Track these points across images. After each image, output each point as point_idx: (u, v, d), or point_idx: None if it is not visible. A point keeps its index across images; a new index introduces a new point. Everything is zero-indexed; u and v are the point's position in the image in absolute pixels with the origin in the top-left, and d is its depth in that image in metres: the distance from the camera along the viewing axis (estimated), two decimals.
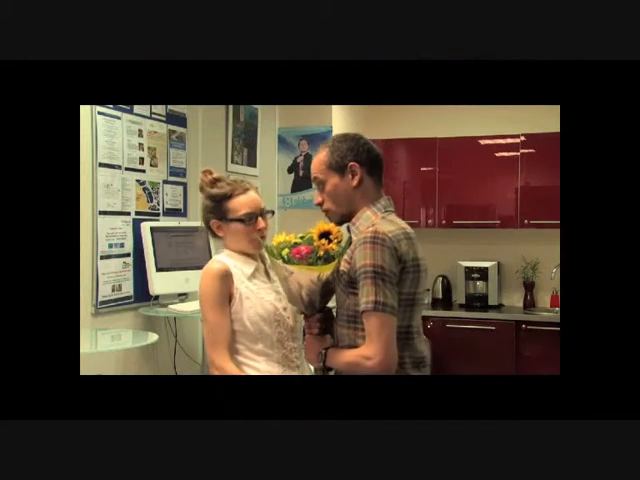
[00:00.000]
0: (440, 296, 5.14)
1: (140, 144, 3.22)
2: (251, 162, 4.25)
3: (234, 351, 1.98)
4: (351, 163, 1.86)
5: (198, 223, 3.22)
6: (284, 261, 1.85)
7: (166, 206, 3.43)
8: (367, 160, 1.88)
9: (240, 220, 2.02)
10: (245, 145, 4.16)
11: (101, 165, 2.94)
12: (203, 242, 3.30)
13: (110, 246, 3.00)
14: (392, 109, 5.19)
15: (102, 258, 2.93)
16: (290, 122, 4.64)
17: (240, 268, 2.01)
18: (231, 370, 1.93)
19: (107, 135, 2.98)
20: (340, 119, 4.83)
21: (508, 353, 4.60)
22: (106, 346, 3.03)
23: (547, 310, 4.86)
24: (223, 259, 2.03)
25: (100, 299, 2.92)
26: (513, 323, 4.63)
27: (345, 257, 1.83)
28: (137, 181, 3.19)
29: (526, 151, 4.83)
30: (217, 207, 2.04)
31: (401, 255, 1.77)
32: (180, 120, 3.54)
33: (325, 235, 1.86)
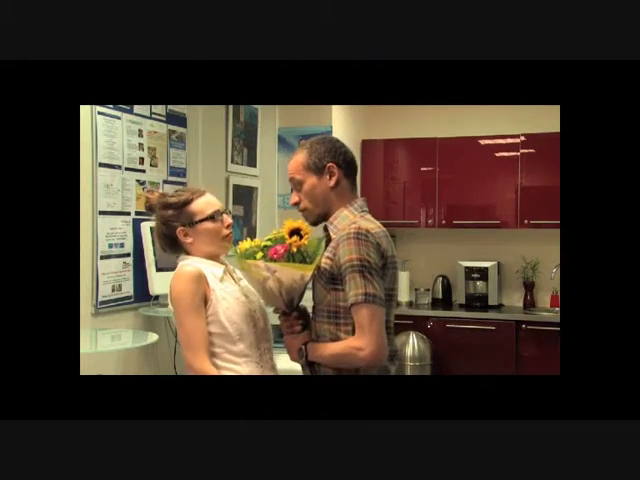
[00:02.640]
0: (440, 296, 5.14)
1: (140, 144, 3.22)
2: (251, 162, 4.25)
3: (212, 355, 1.96)
4: (329, 164, 1.93)
5: None
6: (264, 258, 1.88)
7: None
8: (344, 162, 1.96)
9: (210, 218, 2.03)
10: (245, 145, 4.16)
11: (101, 165, 2.94)
12: None
13: (110, 246, 3.00)
14: (392, 109, 5.19)
15: (102, 258, 2.93)
16: (290, 122, 4.64)
17: (211, 271, 2.01)
18: (212, 372, 1.92)
19: (107, 135, 2.98)
20: (340, 119, 4.83)
21: (508, 353, 4.60)
22: (106, 346, 3.03)
23: (547, 310, 4.86)
24: (194, 263, 2.01)
25: (100, 299, 2.92)
26: (513, 323, 4.63)
27: (326, 254, 1.89)
28: (137, 181, 3.19)
29: (526, 151, 4.84)
30: (181, 214, 2.03)
31: (383, 251, 1.85)
32: (180, 120, 3.54)
33: (295, 232, 1.90)
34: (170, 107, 3.43)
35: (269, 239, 1.93)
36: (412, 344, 4.61)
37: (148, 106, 3.25)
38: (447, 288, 5.16)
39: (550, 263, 4.81)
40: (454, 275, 5.09)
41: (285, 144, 4.66)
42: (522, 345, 4.60)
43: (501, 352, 4.61)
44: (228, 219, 2.08)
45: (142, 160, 3.24)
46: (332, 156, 1.94)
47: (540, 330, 4.56)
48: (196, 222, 2.02)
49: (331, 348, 1.87)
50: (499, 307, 4.99)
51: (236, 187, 3.97)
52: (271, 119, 4.55)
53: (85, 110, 2.83)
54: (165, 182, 3.41)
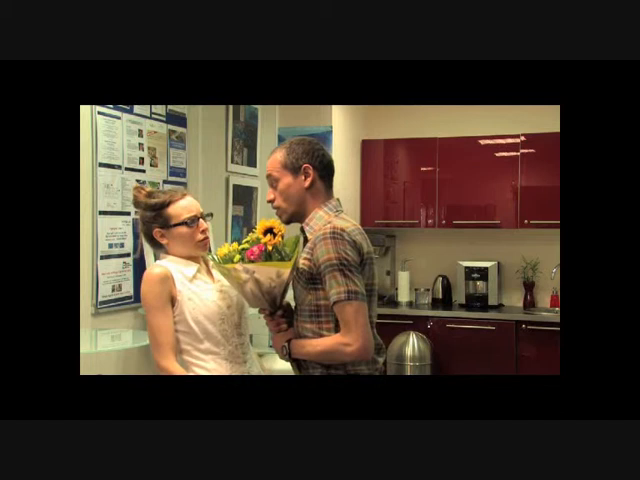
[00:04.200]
0: (440, 296, 5.15)
1: (140, 144, 3.21)
2: (251, 162, 4.25)
3: (181, 352, 2.04)
4: (305, 165, 1.97)
5: None
6: (241, 261, 1.92)
7: None
8: (320, 164, 2.00)
9: (183, 223, 2.07)
10: (245, 145, 4.16)
11: (101, 165, 2.94)
12: None
13: (110, 246, 2.99)
14: (392, 109, 5.20)
15: (102, 258, 2.93)
16: (290, 122, 4.64)
17: (181, 271, 2.06)
18: (176, 371, 1.98)
19: (107, 135, 2.98)
20: (340, 119, 4.83)
21: (508, 353, 4.61)
22: (106, 346, 3.03)
23: (547, 310, 4.86)
24: (164, 263, 2.08)
25: (100, 299, 2.92)
26: (513, 323, 4.63)
27: (304, 255, 1.92)
28: (137, 181, 3.19)
29: (526, 151, 4.84)
30: (158, 215, 2.09)
31: (359, 248, 1.89)
32: (180, 120, 3.54)
33: (269, 231, 1.94)
34: (170, 107, 3.43)
35: (247, 241, 1.97)
36: (412, 344, 4.61)
37: (148, 106, 3.24)
38: (447, 288, 5.16)
39: (550, 263, 4.82)
40: (454, 275, 5.09)
41: None
42: (522, 345, 4.60)
43: (501, 352, 4.61)
44: (204, 224, 2.12)
45: (142, 160, 3.23)
46: (309, 158, 1.98)
47: (540, 330, 4.56)
48: (171, 226, 2.08)
49: (318, 345, 1.90)
50: (499, 307, 5.00)
51: (236, 187, 3.97)
52: (271, 119, 4.54)
53: (85, 110, 2.83)
54: (165, 182, 3.41)
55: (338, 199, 2.05)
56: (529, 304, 4.96)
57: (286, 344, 1.96)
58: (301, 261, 1.92)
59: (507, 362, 4.58)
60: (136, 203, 2.16)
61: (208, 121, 3.77)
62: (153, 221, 2.09)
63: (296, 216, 2.00)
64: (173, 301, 2.02)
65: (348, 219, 1.97)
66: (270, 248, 1.91)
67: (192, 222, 2.08)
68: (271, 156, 2.03)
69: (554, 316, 4.61)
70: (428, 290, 5.18)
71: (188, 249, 2.10)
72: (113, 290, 3.00)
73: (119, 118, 3.06)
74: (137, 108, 3.17)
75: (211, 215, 2.26)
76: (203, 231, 2.11)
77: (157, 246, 2.16)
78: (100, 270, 2.92)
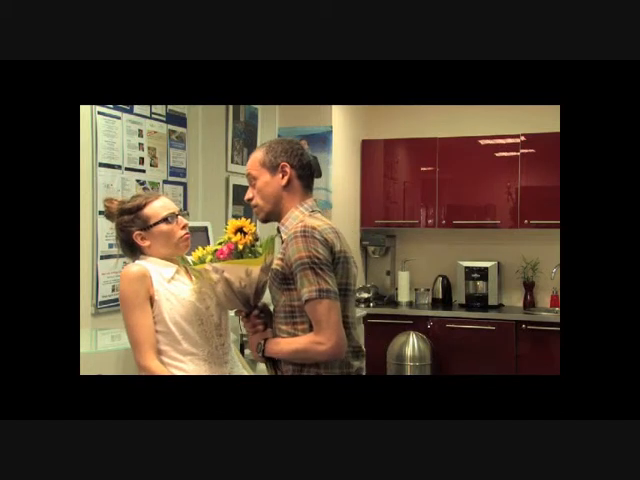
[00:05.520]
0: (440, 296, 5.15)
1: (140, 144, 3.21)
2: None
3: (160, 353, 2.02)
4: (283, 163, 1.98)
5: (198, 223, 3.23)
6: (212, 261, 1.93)
7: None
8: (298, 163, 2.00)
9: (163, 220, 2.07)
10: (245, 145, 4.15)
11: (101, 165, 2.94)
12: (203, 242, 3.30)
13: (110, 246, 2.99)
14: (392, 109, 5.20)
15: (102, 258, 2.93)
16: (290, 122, 4.64)
17: (159, 271, 2.05)
18: (157, 369, 1.97)
19: (107, 135, 2.98)
20: (340, 119, 4.83)
21: (508, 353, 4.61)
22: (106, 346, 3.03)
23: (547, 310, 4.86)
24: (142, 262, 2.07)
25: (100, 299, 2.92)
26: (513, 323, 4.64)
27: (278, 255, 1.92)
28: (137, 181, 3.19)
29: (526, 151, 4.84)
30: (136, 217, 2.07)
31: (331, 246, 1.88)
32: (180, 120, 3.54)
33: (239, 230, 1.95)
34: (170, 107, 3.43)
35: (219, 242, 1.97)
36: (412, 344, 4.62)
37: (148, 106, 3.24)
38: (447, 288, 5.16)
39: (550, 263, 4.82)
40: (454, 275, 5.10)
41: None
42: (522, 345, 4.61)
43: (501, 352, 4.62)
44: (183, 220, 2.12)
45: (142, 160, 3.23)
46: (287, 156, 1.98)
47: (540, 330, 4.56)
48: (151, 225, 2.06)
49: (291, 344, 1.90)
50: (499, 307, 5.00)
51: (236, 187, 3.97)
52: (271, 119, 4.54)
53: (85, 110, 2.83)
54: (165, 182, 3.41)
55: (315, 200, 2.04)
56: (529, 304, 4.97)
57: (261, 342, 1.96)
58: (275, 261, 1.92)
59: (507, 362, 4.59)
60: (109, 215, 2.13)
61: (208, 121, 3.77)
62: (132, 225, 2.07)
63: (273, 215, 2.00)
64: (151, 301, 2.01)
65: (322, 218, 1.96)
66: (241, 247, 1.92)
67: (171, 218, 2.08)
68: (251, 155, 2.05)
69: (554, 316, 4.61)
70: (428, 290, 5.18)
71: (170, 247, 2.09)
72: (113, 290, 3.00)
73: (119, 118, 3.06)
74: (137, 108, 3.17)
75: (187, 213, 2.27)
76: (184, 227, 2.10)
77: (134, 254, 2.13)
78: (100, 270, 2.92)
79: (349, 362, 1.92)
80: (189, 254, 2.10)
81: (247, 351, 3.02)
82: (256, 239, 1.99)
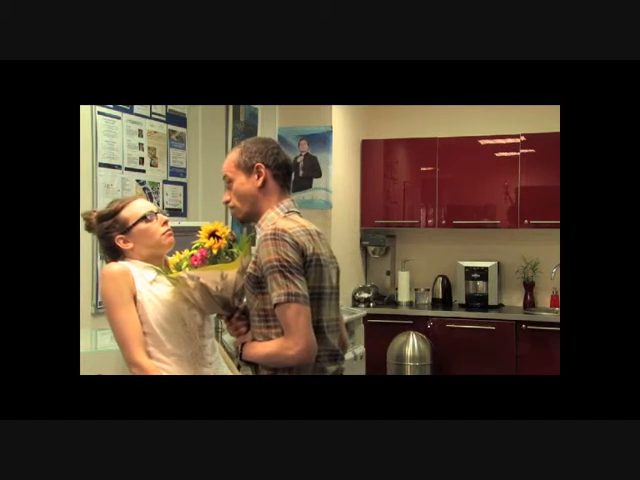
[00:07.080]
0: (440, 296, 5.14)
1: (140, 144, 3.21)
2: None
3: (146, 353, 1.99)
4: (258, 164, 1.95)
5: (198, 223, 3.23)
6: (189, 269, 1.92)
7: (166, 206, 3.43)
8: (273, 164, 1.97)
9: (142, 219, 2.05)
10: None
11: (101, 165, 2.94)
12: None
13: None
14: (392, 109, 5.19)
15: (102, 258, 2.93)
16: (290, 122, 4.64)
17: (141, 273, 2.03)
18: (148, 365, 1.95)
19: (107, 135, 2.98)
20: (340, 119, 4.83)
21: (508, 353, 4.61)
22: (106, 346, 3.02)
23: (547, 310, 4.86)
24: (122, 262, 2.04)
25: (100, 299, 2.92)
26: (513, 323, 4.63)
27: (252, 259, 1.90)
28: (137, 181, 3.19)
29: (526, 151, 4.84)
30: (115, 222, 2.06)
31: (303, 249, 1.85)
32: (180, 120, 3.54)
33: (212, 234, 1.94)
34: (170, 107, 3.43)
35: (195, 247, 1.96)
36: (412, 344, 4.61)
37: (148, 106, 3.25)
38: (447, 288, 5.16)
39: (550, 263, 4.81)
40: (454, 275, 5.09)
41: (285, 144, 4.65)
42: (522, 345, 4.60)
43: (501, 352, 4.61)
44: (164, 217, 2.10)
45: (142, 160, 3.24)
46: (262, 157, 1.96)
47: (540, 330, 4.56)
48: (131, 226, 2.05)
49: (265, 347, 1.89)
50: (499, 307, 4.99)
51: None
52: (271, 119, 4.54)
53: (85, 110, 2.83)
54: (165, 182, 3.42)
55: (293, 200, 2.02)
56: (529, 304, 4.96)
57: (239, 346, 1.94)
58: (250, 265, 1.90)
59: (507, 362, 4.58)
60: (89, 227, 2.11)
61: (208, 121, 3.77)
62: (112, 229, 2.05)
63: (250, 216, 1.98)
64: (135, 301, 1.99)
65: (297, 219, 1.94)
66: (215, 252, 1.90)
67: (150, 216, 2.06)
68: (227, 157, 2.02)
69: (554, 316, 4.60)
70: (428, 290, 5.18)
71: (153, 246, 2.06)
72: None
73: (119, 118, 3.06)
74: (137, 108, 3.18)
75: (167, 212, 2.24)
76: (165, 223, 2.08)
77: (115, 256, 2.10)
78: (100, 270, 2.92)
79: (323, 367, 1.90)
80: (172, 253, 2.09)
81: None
82: (233, 240, 1.97)
